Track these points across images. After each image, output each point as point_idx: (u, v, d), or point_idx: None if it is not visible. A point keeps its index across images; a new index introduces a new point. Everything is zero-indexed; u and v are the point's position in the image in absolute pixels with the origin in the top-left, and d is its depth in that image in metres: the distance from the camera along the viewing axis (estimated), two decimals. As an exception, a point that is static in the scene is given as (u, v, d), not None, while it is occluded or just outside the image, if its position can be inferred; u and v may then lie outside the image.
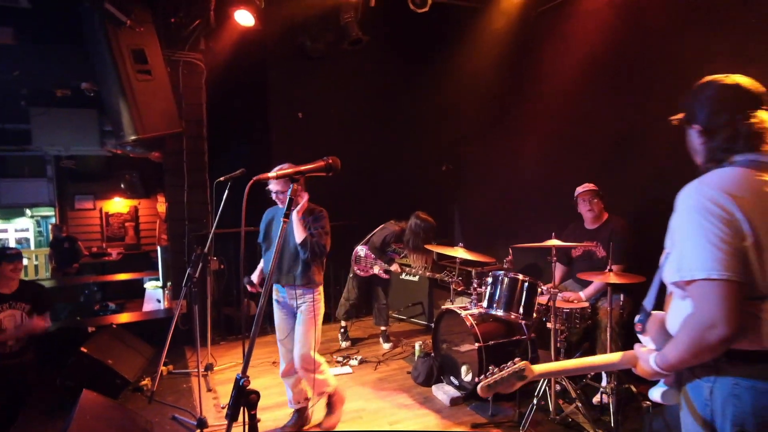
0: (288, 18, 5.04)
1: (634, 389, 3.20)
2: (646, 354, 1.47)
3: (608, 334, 3.18)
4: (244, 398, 1.37)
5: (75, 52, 4.70)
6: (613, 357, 1.65)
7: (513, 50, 5.08)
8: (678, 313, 1.38)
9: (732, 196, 1.27)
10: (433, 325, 4.20)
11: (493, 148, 5.60)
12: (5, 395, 3.55)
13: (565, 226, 3.91)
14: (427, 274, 4.83)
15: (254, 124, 5.94)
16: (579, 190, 3.79)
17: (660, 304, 1.54)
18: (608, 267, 3.17)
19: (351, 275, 5.03)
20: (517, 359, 1.68)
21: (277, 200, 3.16)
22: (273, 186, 3.08)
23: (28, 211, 11.68)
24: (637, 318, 1.59)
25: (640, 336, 1.57)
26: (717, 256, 1.23)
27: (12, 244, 11.77)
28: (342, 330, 5.09)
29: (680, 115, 1.51)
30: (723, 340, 1.23)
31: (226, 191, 3.74)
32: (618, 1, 4.12)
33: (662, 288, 1.50)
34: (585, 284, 3.68)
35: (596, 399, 3.43)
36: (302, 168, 1.43)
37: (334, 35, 5.09)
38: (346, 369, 4.41)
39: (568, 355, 3.48)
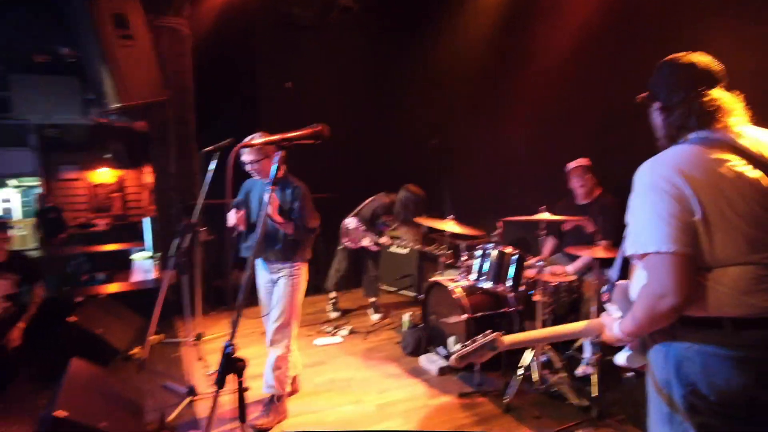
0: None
1: (616, 360, 3.27)
2: (611, 321, 1.57)
3: (591, 307, 3.24)
4: (232, 366, 1.38)
5: (54, 16, 4.52)
6: (580, 325, 1.74)
7: (503, 23, 4.98)
8: (639, 282, 1.46)
9: (682, 173, 1.34)
10: (422, 296, 4.23)
11: (483, 122, 5.55)
12: None
13: (555, 200, 3.92)
14: (417, 246, 4.84)
15: (242, 94, 5.82)
16: (570, 165, 3.79)
17: (625, 275, 1.63)
18: (596, 242, 3.20)
19: (340, 247, 5.03)
20: (488, 331, 1.76)
21: (251, 172, 3.00)
22: (246, 156, 2.89)
23: (13, 181, 11.46)
24: (603, 288, 1.70)
25: (606, 305, 1.66)
26: (667, 230, 1.33)
27: (-4, 214, 11.61)
28: (332, 301, 5.12)
29: (644, 94, 1.58)
30: (674, 308, 1.33)
31: (214, 161, 3.69)
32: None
33: (626, 260, 1.58)
34: (573, 258, 3.72)
35: (580, 370, 3.50)
36: (289, 135, 1.37)
37: (323, 3, 4.97)
38: (336, 339, 4.46)
39: (554, 327, 3.54)
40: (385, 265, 5.90)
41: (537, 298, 3.31)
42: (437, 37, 5.67)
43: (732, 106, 1.43)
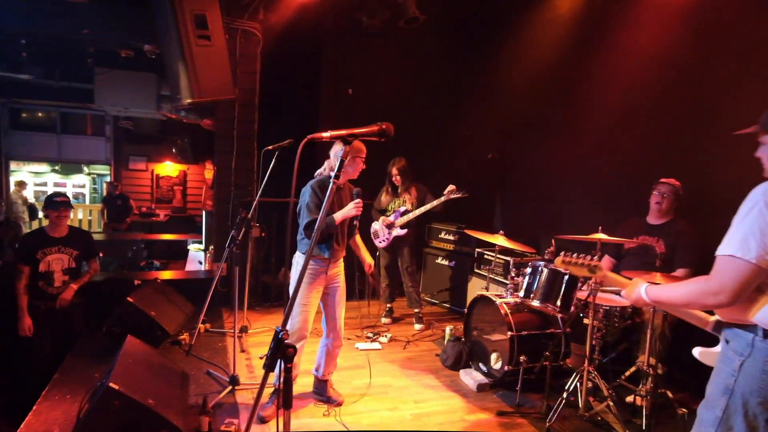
0: (346, -8, 5.02)
1: (670, 395, 3.10)
2: (640, 282, 1.76)
3: (648, 336, 3.09)
4: (282, 351, 1.40)
5: (140, 14, 4.84)
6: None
7: (576, 37, 4.88)
8: None
9: None
10: (465, 310, 4.17)
11: (543, 138, 5.44)
12: (53, 337, 3.76)
13: (616, 221, 3.77)
14: (430, 205, 4.67)
15: (304, 97, 5.97)
16: (663, 180, 3.63)
17: None
18: (657, 264, 3.06)
19: (379, 257, 5.04)
20: (595, 258, 2.17)
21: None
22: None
23: (85, 168, 12.29)
24: None
25: None
26: (753, 244, 1.41)
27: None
28: (387, 308, 5.16)
29: (754, 127, 1.63)
30: (718, 306, 1.49)
31: (273, 160, 3.81)
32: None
33: None
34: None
35: (629, 399, 3.33)
36: (356, 130, 1.42)
37: (391, 12, 5.05)
38: (375, 345, 4.46)
39: (603, 355, 3.40)
40: (430, 278, 5.87)
41: (587, 321, 3.19)
42: (503, 49, 5.63)
43: None
